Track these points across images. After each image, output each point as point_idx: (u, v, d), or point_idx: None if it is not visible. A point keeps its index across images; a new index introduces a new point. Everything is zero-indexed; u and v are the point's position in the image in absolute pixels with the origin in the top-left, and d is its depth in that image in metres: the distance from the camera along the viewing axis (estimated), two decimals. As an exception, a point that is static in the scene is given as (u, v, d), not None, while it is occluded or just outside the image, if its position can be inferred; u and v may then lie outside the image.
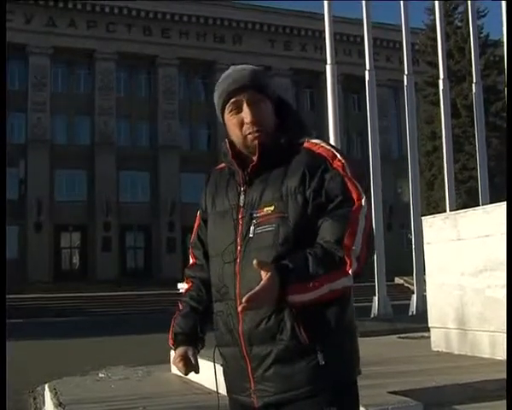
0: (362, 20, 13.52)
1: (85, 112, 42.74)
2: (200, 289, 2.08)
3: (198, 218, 2.15)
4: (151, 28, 44.41)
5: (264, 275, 1.67)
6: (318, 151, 1.91)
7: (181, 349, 2.00)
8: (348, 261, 1.76)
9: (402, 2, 13.85)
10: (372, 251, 1.85)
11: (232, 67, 2.03)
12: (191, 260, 2.17)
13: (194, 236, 2.16)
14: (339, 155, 1.90)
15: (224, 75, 2.03)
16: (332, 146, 1.95)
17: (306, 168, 1.86)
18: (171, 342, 2.05)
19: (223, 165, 2.08)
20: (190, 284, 2.12)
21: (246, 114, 1.93)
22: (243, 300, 1.67)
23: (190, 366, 1.98)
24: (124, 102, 43.62)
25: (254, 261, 1.70)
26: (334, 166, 1.87)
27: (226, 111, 1.98)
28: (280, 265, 1.72)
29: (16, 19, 39.13)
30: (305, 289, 1.72)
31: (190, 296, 2.09)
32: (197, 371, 1.99)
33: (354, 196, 1.84)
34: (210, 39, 45.68)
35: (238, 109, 1.95)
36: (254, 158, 1.93)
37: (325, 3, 12.67)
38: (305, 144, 1.94)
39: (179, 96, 44.98)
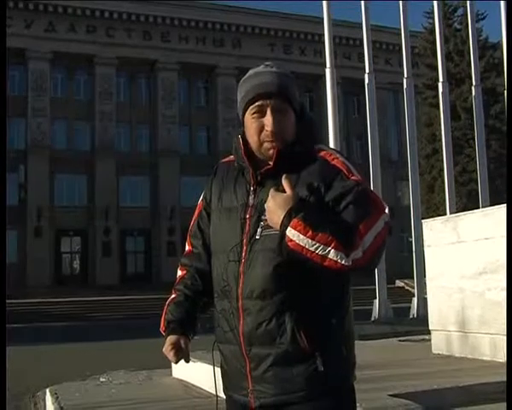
0: (361, 23, 13.52)
1: (85, 117, 42.80)
2: (195, 278, 2.05)
3: (199, 207, 2.10)
4: (151, 33, 44.49)
5: (288, 188, 1.78)
6: (333, 162, 1.88)
7: (173, 338, 1.98)
8: (354, 246, 1.71)
9: (401, 5, 13.86)
10: (378, 258, 1.79)
11: (263, 66, 1.96)
12: (187, 248, 2.12)
13: (193, 224, 2.11)
14: (354, 171, 1.87)
15: (252, 72, 1.96)
16: (347, 159, 1.92)
17: (320, 179, 1.84)
18: (162, 328, 2.03)
19: (231, 157, 2.03)
20: (185, 272, 2.09)
21: (268, 121, 1.89)
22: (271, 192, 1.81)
23: (181, 354, 1.97)
24: (124, 107, 43.66)
25: (284, 179, 1.80)
26: (352, 178, 1.84)
27: (248, 112, 1.93)
28: (300, 198, 1.79)
29: (16, 24, 39.20)
30: (305, 231, 1.71)
31: (184, 285, 2.06)
32: (187, 360, 1.97)
33: (379, 202, 1.83)
34: (210, 43, 45.77)
35: (261, 114, 1.90)
36: (270, 162, 1.90)
37: (324, 7, 12.68)
38: (320, 153, 1.91)
39: (179, 101, 45.03)
